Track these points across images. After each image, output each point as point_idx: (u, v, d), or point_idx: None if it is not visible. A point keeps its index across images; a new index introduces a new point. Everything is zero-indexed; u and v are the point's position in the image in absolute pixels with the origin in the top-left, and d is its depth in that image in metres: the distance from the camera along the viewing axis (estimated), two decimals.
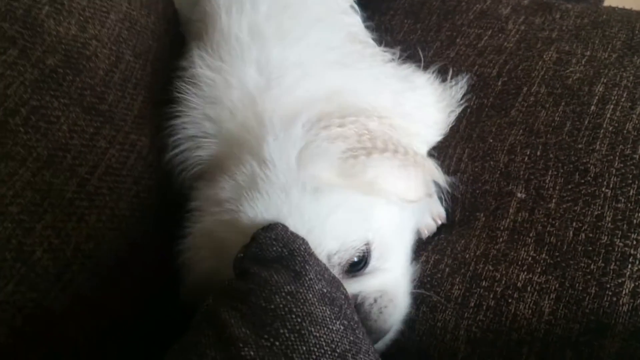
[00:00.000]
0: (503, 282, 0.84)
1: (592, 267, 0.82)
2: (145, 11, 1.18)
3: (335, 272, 0.80)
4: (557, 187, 0.92)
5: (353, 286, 0.81)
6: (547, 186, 0.92)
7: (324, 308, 0.69)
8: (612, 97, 1.00)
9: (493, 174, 0.97)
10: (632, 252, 0.82)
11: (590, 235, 0.85)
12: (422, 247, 0.95)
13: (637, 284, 0.79)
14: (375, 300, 0.81)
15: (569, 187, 0.91)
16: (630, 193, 0.88)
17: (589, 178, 0.91)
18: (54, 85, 0.90)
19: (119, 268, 0.90)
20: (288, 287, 0.69)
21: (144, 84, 1.10)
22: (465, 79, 1.14)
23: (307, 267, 0.73)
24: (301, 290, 0.69)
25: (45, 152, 0.84)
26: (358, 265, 0.83)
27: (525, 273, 0.84)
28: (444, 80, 1.16)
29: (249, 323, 0.65)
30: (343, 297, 0.73)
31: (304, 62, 1.01)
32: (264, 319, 0.65)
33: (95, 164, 0.91)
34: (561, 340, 0.78)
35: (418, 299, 0.87)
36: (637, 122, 0.95)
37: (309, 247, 0.76)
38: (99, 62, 1.00)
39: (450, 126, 1.10)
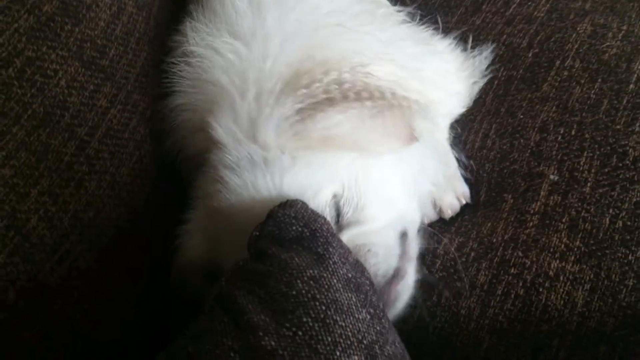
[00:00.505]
0: (533, 269, 0.79)
1: (629, 257, 0.77)
2: None
3: None
4: (593, 170, 0.86)
5: None
6: (581, 168, 0.86)
7: (350, 295, 0.63)
8: None
9: (523, 153, 0.91)
10: None
11: (628, 223, 0.80)
12: (445, 229, 0.89)
13: None
14: None
15: (606, 170, 0.85)
16: None
17: (628, 162, 0.85)
18: (51, 35, 0.82)
19: (119, 239, 0.83)
20: (311, 271, 0.63)
21: (147, 39, 1.02)
22: (490, 49, 1.07)
23: (331, 249, 0.67)
24: (325, 275, 0.63)
25: (41, 110, 0.76)
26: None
27: (558, 261, 0.79)
28: (466, 49, 1.09)
29: (269, 310, 0.60)
30: (368, 282, 0.68)
31: (300, 29, 0.92)
32: (285, 305, 0.60)
33: (95, 124, 0.84)
34: (595, 334, 0.73)
35: (441, 284, 0.82)
36: None
37: (332, 227, 0.70)
38: (99, 12, 0.92)
39: (473, 99, 1.03)
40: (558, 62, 1.00)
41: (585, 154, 0.88)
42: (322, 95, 0.80)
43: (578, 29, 1.04)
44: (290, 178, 0.77)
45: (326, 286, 0.62)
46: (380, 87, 0.83)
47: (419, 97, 0.88)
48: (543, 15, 1.08)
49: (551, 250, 0.80)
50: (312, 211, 0.71)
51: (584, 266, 0.78)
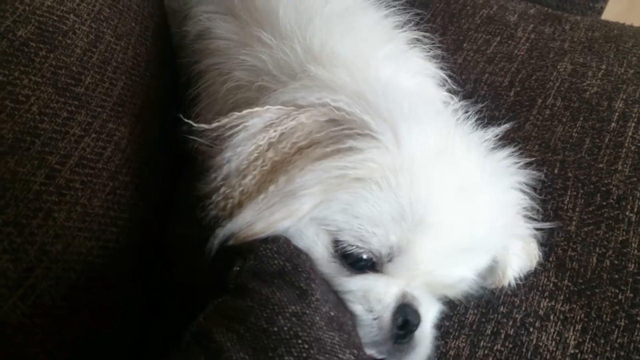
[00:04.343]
0: (523, 308, 0.77)
1: (619, 297, 0.76)
2: None
3: None
4: (577, 209, 0.85)
5: None
6: (566, 207, 0.86)
7: (333, 334, 0.60)
8: (634, 115, 0.95)
9: None
10: None
11: (616, 262, 0.79)
12: None
13: None
14: None
15: (590, 209, 0.85)
16: None
17: (612, 200, 0.85)
18: (25, 60, 0.78)
19: (89, 275, 0.78)
20: (293, 307, 0.60)
21: (124, 69, 0.99)
22: None
23: (313, 285, 0.64)
24: (307, 312, 0.60)
25: (10, 136, 0.73)
26: None
27: (547, 300, 0.77)
28: None
29: (249, 347, 0.56)
30: (350, 323, 0.65)
31: None
32: (265, 342, 0.56)
33: (67, 153, 0.80)
34: None
35: None
36: None
37: (314, 264, 0.68)
38: (76, 39, 0.89)
39: None
40: (540, 101, 1.00)
41: (569, 193, 0.87)
42: None
43: (558, 67, 1.05)
44: None
45: (309, 323, 0.59)
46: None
47: None
48: (523, 53, 1.10)
49: (540, 289, 0.78)
50: (295, 247, 0.68)
51: (574, 305, 0.76)
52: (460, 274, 0.70)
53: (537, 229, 0.79)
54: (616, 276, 0.77)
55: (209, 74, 0.94)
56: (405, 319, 0.67)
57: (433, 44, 0.94)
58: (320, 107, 0.69)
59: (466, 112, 0.78)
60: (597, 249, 0.80)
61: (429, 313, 0.72)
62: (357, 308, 0.67)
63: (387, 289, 0.68)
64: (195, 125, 0.75)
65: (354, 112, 0.68)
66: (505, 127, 0.80)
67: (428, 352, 0.71)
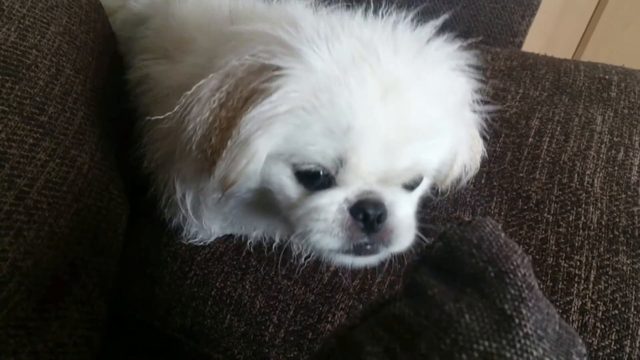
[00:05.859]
0: None
1: (541, 286, 0.86)
2: (85, 28, 1.14)
3: None
4: (502, 213, 0.96)
5: None
6: (492, 212, 0.96)
7: None
8: (547, 131, 1.07)
9: (442, 201, 1.00)
10: (576, 272, 0.87)
11: (537, 257, 0.89)
12: (379, 270, 0.95)
13: (584, 301, 0.83)
14: None
15: (514, 212, 0.96)
16: (570, 218, 0.94)
17: (531, 204, 0.96)
18: None
19: (57, 290, 0.83)
20: (486, 342, 0.42)
21: (84, 100, 1.04)
22: None
23: (524, 310, 0.43)
24: (507, 355, 0.41)
25: None
26: None
27: None
28: None
29: None
30: None
31: None
32: None
33: (34, 176, 0.85)
34: None
35: None
36: (571, 153, 1.02)
37: (530, 271, 0.47)
38: (39, 72, 0.95)
39: None
40: None
41: (494, 199, 0.98)
42: None
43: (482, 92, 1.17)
44: None
45: None
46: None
47: None
48: None
49: None
50: (507, 243, 0.49)
51: None
52: (406, 163, 0.76)
53: (483, 113, 0.86)
54: (538, 269, 0.88)
55: (154, 104, 1.00)
56: (365, 213, 0.75)
57: None
58: (250, 59, 0.76)
59: (402, 14, 0.83)
60: (521, 247, 0.90)
61: (399, 203, 0.78)
62: (318, 224, 0.75)
63: (333, 198, 0.75)
64: (160, 117, 0.83)
65: (269, 58, 0.75)
66: (444, 17, 0.84)
67: (407, 239, 0.80)
